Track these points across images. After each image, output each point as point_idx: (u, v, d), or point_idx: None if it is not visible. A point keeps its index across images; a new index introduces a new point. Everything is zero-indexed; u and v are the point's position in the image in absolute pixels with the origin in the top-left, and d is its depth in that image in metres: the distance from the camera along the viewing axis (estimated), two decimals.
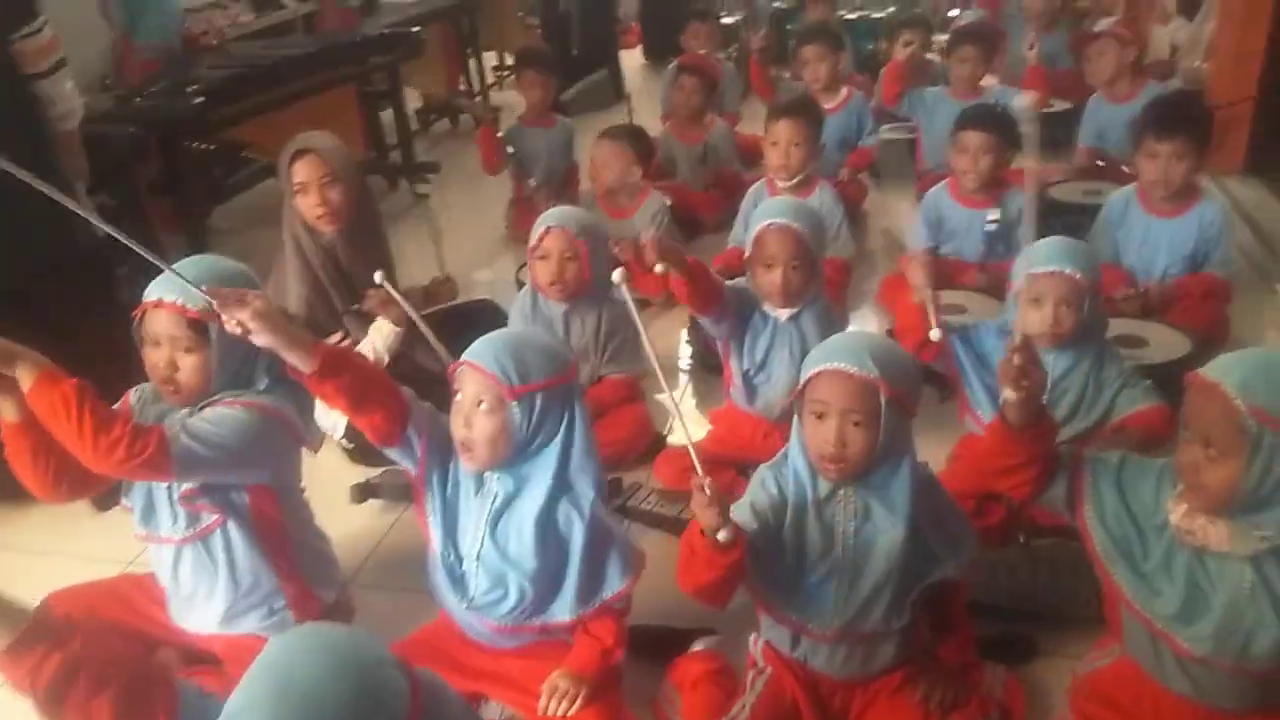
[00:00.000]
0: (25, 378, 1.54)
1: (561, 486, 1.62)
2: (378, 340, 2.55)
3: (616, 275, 1.64)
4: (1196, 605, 1.41)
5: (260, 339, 1.49)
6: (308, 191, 2.46)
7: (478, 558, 1.64)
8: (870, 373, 1.48)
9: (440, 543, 1.67)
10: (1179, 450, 1.41)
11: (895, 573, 1.55)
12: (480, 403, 1.57)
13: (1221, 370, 1.35)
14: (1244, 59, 3.98)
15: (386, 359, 2.53)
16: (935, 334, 2.03)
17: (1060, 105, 4.77)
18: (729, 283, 2.34)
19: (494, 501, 1.63)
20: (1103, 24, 4.45)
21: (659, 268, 2.09)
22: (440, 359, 2.27)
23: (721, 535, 1.42)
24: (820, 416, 1.53)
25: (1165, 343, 2.57)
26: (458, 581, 1.66)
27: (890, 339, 2.05)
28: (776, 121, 3.14)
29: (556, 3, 5.99)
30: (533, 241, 2.53)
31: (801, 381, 1.57)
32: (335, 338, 2.53)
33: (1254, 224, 3.53)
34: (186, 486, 1.68)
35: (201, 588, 1.75)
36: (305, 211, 2.48)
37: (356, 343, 2.55)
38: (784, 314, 2.29)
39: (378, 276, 2.29)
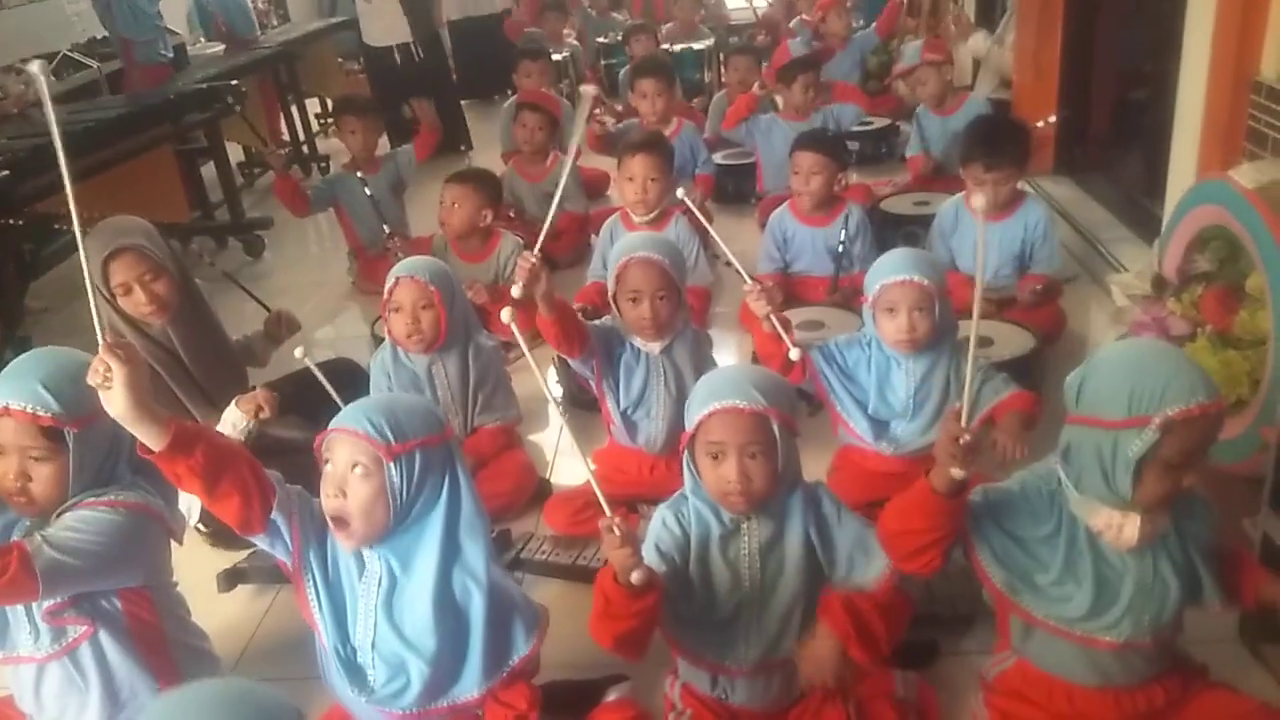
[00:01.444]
0: None
1: (451, 555, 1.52)
2: (226, 429, 2.41)
3: (505, 314, 1.58)
4: (1106, 596, 1.46)
5: (114, 406, 1.34)
6: (131, 291, 2.28)
7: (373, 647, 1.52)
8: (760, 404, 1.49)
9: (329, 636, 1.54)
10: (1169, 481, 1.37)
11: (801, 596, 1.56)
12: (355, 466, 1.45)
13: (1197, 389, 1.33)
14: (1043, 70, 4.28)
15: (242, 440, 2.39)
16: (795, 353, 2.07)
17: (880, 122, 5.04)
18: (593, 323, 2.33)
19: (380, 584, 1.52)
20: (910, 46, 4.69)
21: (515, 290, 2.05)
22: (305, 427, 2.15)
23: (635, 577, 1.38)
24: (718, 456, 1.52)
25: (1010, 339, 2.70)
26: (355, 675, 1.53)
27: (760, 366, 2.07)
28: (633, 157, 3.15)
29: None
30: (385, 295, 2.46)
31: (692, 424, 1.55)
32: None
33: (1071, 220, 3.78)
34: (51, 602, 1.53)
35: (70, 707, 1.59)
36: (131, 310, 2.30)
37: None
38: (655, 347, 2.28)
39: (298, 352, 2.12)
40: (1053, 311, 2.97)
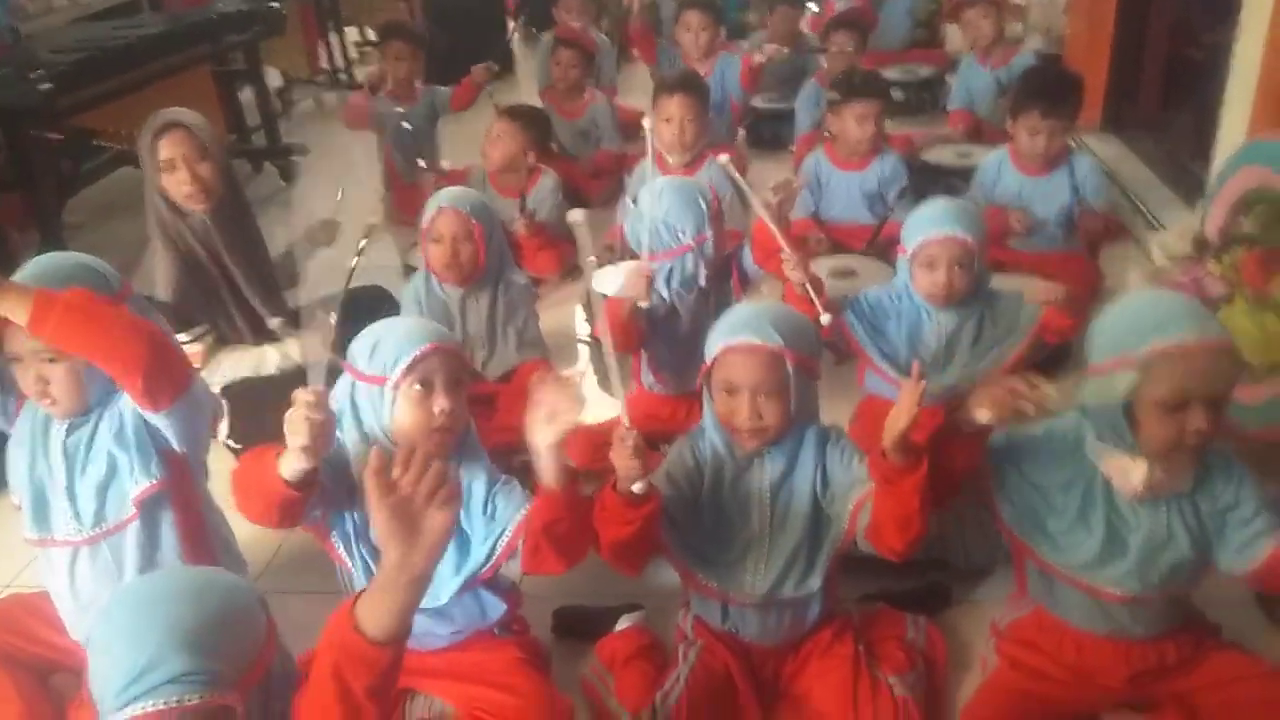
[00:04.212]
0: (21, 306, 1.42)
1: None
2: (252, 361, 2.46)
3: (576, 215, 1.68)
4: (1115, 546, 1.46)
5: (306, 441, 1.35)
6: (175, 168, 2.26)
7: None
8: (775, 343, 1.51)
9: (363, 572, 1.60)
10: (1169, 425, 1.35)
11: (808, 534, 1.59)
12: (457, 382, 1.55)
13: (1208, 327, 1.33)
14: (1097, 24, 4.17)
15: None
16: (825, 319, 2.05)
17: (925, 71, 4.94)
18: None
19: None
20: None
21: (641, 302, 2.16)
22: None
23: (636, 486, 1.44)
24: (731, 392, 1.54)
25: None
26: None
27: (786, 304, 2.06)
28: (670, 98, 3.07)
29: None
30: (425, 223, 2.45)
31: (709, 358, 1.57)
32: (199, 330, 2.39)
33: (1115, 178, 3.71)
34: (143, 487, 1.60)
35: (103, 593, 1.61)
36: (173, 190, 2.29)
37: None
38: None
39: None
40: (1089, 269, 2.92)
